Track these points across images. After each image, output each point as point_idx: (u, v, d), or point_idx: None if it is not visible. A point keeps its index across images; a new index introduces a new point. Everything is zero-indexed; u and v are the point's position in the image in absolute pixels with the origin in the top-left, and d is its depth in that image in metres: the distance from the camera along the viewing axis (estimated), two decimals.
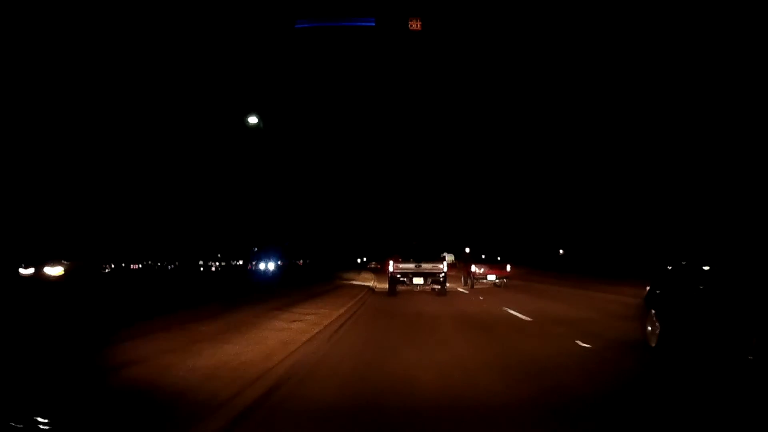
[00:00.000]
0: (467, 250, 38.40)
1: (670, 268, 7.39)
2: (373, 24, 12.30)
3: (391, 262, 17.94)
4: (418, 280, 17.56)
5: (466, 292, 20.50)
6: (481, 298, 17.03)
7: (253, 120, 16.94)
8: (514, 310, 12.48)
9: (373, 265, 49.80)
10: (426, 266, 17.69)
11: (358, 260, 75.66)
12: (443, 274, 17.64)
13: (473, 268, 21.87)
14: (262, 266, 57.31)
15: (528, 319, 11.25)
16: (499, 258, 23.25)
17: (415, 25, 12.08)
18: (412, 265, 17.65)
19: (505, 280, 21.54)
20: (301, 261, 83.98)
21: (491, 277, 21.55)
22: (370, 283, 26.92)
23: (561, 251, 49.41)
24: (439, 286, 17.69)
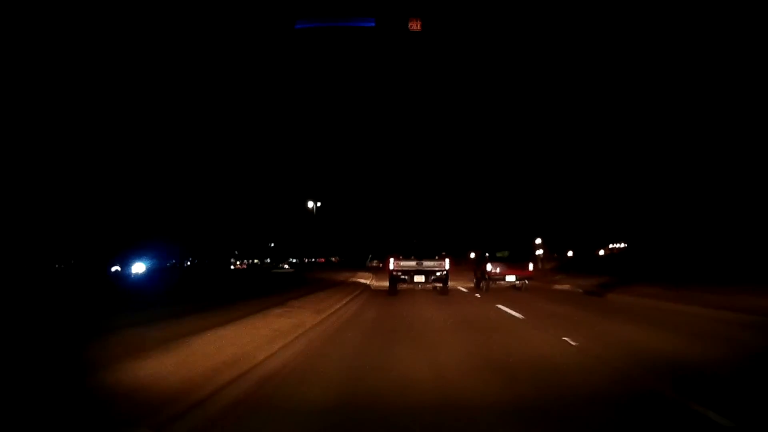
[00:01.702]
0: (538, 241, 34.52)
1: None
2: (373, 24, 12.29)
3: (391, 260, 17.71)
4: (419, 279, 17.44)
5: (478, 296, 16.70)
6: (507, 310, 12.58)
7: None
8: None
9: (374, 264, 49.37)
10: (428, 264, 17.59)
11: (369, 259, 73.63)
12: (445, 272, 17.57)
13: (488, 267, 18.41)
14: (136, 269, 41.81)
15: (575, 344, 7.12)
16: (543, 251, 19.97)
17: (415, 25, 12.06)
18: (413, 263, 17.53)
19: (526, 282, 18.33)
20: (323, 259, 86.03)
21: (510, 278, 18.23)
22: (368, 281, 26.76)
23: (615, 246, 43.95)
24: (441, 284, 17.61)
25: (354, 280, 26.76)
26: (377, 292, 19.84)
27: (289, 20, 12.36)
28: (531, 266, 18.82)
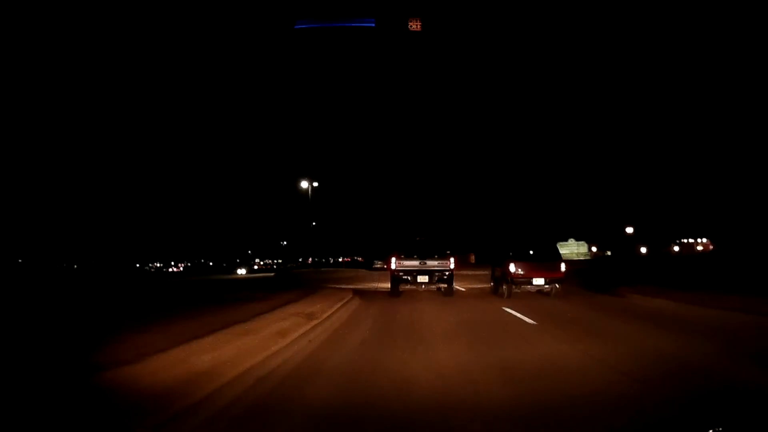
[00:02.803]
0: (629, 230, 30.30)
1: None
2: (373, 25, 12.28)
3: (393, 260, 17.28)
4: (422, 279, 17.01)
5: (514, 313, 11.22)
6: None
7: None
8: None
9: (379, 265, 48.27)
10: (431, 263, 17.19)
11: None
12: (450, 272, 17.20)
13: (511, 267, 15.32)
14: None
15: None
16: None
17: (414, 25, 12.01)
18: (416, 263, 17.13)
19: (557, 286, 15.29)
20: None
21: (538, 281, 15.19)
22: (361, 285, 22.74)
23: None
24: (446, 285, 17.19)
25: (350, 286, 23.66)
26: (366, 305, 14.58)
27: (289, 20, 12.39)
28: (563, 267, 15.63)
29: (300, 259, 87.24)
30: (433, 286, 17.20)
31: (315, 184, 39.07)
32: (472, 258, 50.20)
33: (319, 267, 51.28)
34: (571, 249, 45.18)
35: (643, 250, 47.62)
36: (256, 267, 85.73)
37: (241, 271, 59.80)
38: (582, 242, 46.84)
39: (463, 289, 19.84)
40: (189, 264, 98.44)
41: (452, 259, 17.30)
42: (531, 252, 16.14)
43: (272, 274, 43.97)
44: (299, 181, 39.35)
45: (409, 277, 16.90)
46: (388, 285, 18.33)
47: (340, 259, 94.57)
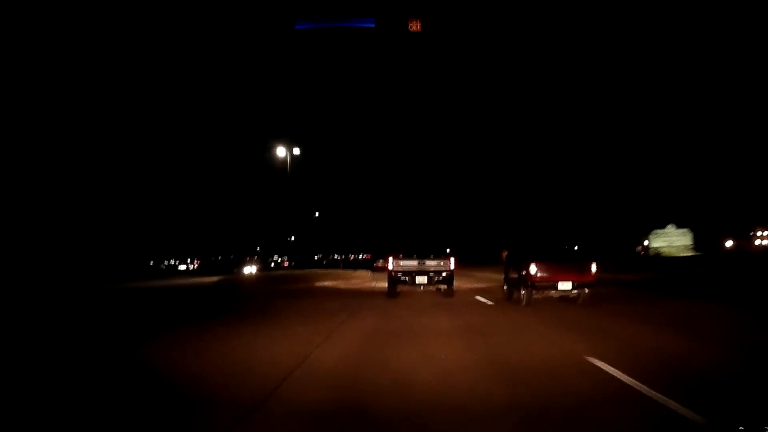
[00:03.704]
0: None
1: None
2: (373, 25, 12.27)
3: (390, 259, 17.05)
4: (421, 279, 16.74)
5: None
6: None
7: None
8: None
9: (380, 264, 47.20)
10: (430, 263, 16.96)
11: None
12: (449, 273, 17.02)
13: (532, 268, 12.96)
14: None
15: None
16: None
17: (415, 26, 12.00)
18: (414, 263, 16.86)
19: (585, 290, 13.07)
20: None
21: (564, 286, 12.91)
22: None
23: None
24: (446, 286, 16.96)
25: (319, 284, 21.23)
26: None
27: (289, 21, 12.39)
28: (594, 268, 13.19)
29: (320, 255, 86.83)
30: (432, 287, 16.95)
31: (296, 151, 33.09)
32: (504, 256, 48.45)
33: (315, 266, 50.06)
34: (670, 240, 35.37)
35: (728, 243, 40.92)
36: (273, 265, 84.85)
37: (251, 269, 57.91)
38: (685, 230, 36.44)
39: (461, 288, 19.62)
40: (204, 261, 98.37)
41: (452, 259, 17.01)
42: (555, 250, 14.12)
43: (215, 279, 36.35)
44: (281, 150, 32.00)
45: (407, 278, 16.62)
46: (386, 285, 18.15)
47: (360, 257, 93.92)
